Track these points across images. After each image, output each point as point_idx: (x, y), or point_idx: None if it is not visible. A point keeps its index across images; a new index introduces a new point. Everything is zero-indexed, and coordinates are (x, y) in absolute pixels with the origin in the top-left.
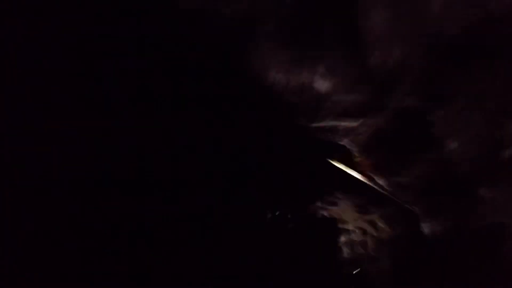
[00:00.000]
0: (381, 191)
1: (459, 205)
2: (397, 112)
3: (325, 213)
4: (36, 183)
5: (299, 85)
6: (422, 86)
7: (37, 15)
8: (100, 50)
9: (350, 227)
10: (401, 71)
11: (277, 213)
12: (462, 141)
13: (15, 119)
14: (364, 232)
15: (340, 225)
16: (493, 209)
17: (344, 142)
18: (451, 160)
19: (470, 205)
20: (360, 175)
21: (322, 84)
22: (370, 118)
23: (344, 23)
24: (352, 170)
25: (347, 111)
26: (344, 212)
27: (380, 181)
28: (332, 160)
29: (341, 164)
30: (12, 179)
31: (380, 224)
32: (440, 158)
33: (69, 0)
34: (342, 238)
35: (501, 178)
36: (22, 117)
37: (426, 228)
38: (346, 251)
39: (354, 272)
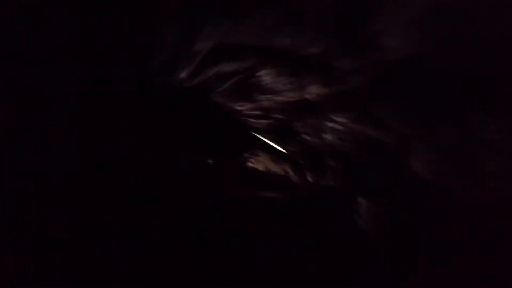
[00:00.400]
0: (284, 152)
1: (320, 168)
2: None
3: (253, 161)
4: (36, 183)
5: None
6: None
7: (38, 17)
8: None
9: (271, 170)
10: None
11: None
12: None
13: (17, 119)
14: (277, 174)
15: (264, 169)
16: (332, 175)
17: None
18: (310, 146)
19: (323, 171)
20: (272, 142)
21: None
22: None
23: None
24: (267, 139)
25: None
26: (264, 161)
27: (281, 147)
28: (255, 133)
29: (261, 136)
30: (12, 179)
31: (289, 171)
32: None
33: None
34: (266, 175)
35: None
36: (24, 117)
37: (309, 177)
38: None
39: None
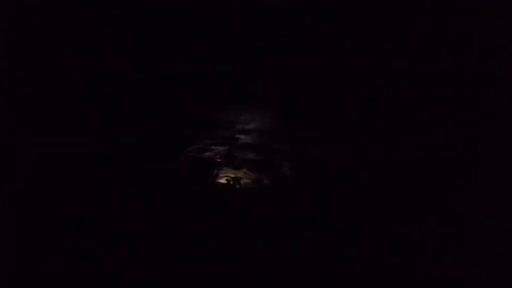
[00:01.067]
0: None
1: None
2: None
3: (221, 172)
4: (35, 184)
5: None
6: None
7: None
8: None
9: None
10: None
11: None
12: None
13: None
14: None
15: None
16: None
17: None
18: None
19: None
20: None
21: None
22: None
23: None
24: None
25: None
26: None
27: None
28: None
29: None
30: (12, 179)
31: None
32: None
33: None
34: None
35: None
36: (22, 115)
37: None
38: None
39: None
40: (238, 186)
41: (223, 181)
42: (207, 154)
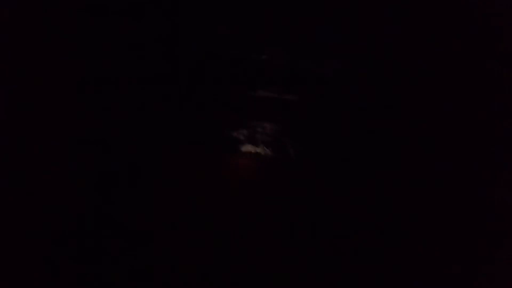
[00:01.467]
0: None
1: None
2: None
3: (243, 147)
4: (33, 184)
5: None
6: None
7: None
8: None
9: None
10: None
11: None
12: None
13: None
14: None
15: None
16: None
17: None
18: None
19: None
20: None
21: None
22: None
23: None
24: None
25: None
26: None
27: None
28: None
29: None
30: (11, 178)
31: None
32: None
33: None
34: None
35: None
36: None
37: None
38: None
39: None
40: (257, 157)
41: (245, 153)
42: (232, 133)
